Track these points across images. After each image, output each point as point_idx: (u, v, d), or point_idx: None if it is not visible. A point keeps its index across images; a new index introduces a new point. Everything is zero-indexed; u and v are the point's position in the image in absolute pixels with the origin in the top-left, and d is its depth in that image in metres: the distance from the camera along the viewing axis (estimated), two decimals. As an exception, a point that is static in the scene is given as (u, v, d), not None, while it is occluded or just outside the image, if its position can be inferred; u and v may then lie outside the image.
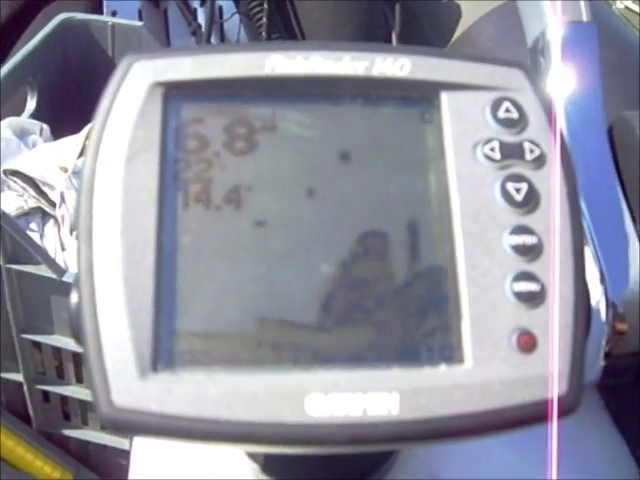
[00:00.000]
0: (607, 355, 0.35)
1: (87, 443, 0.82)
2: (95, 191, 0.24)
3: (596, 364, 0.35)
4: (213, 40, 1.25)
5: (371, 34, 1.22)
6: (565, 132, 0.37)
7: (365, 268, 0.25)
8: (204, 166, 0.25)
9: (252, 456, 0.33)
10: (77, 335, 0.25)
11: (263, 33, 1.15)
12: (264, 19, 1.15)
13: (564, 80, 0.38)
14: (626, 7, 1.51)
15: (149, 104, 0.25)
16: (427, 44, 1.21)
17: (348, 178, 0.26)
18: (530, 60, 0.41)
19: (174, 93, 0.26)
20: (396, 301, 0.24)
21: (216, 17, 1.23)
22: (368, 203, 0.25)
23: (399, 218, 0.25)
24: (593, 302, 0.34)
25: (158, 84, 0.26)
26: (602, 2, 0.94)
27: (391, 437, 0.23)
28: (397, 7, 1.22)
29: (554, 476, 0.34)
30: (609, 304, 0.34)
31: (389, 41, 1.24)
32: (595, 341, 0.34)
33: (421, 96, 0.27)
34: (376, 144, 0.26)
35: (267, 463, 0.33)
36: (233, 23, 1.25)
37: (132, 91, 0.25)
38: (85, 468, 0.82)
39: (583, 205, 0.35)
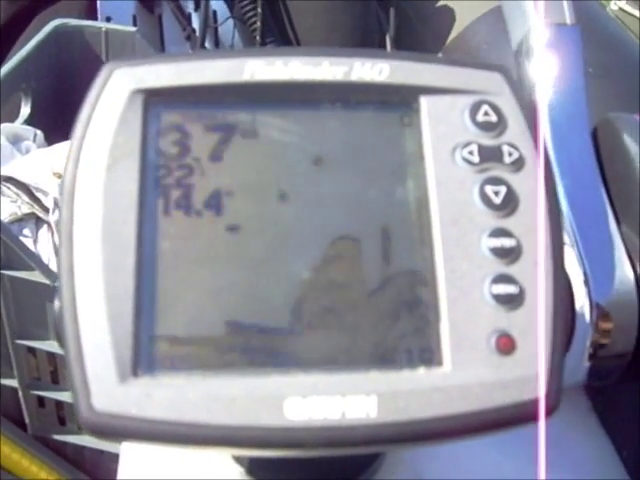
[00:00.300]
0: (592, 356, 0.35)
1: (83, 448, 0.82)
2: (76, 197, 0.25)
3: (581, 365, 0.35)
4: (207, 45, 1.26)
5: (365, 38, 1.22)
6: (549, 134, 0.37)
7: (341, 272, 0.25)
8: (184, 172, 0.25)
9: (237, 459, 0.33)
10: (60, 339, 0.25)
11: (257, 37, 1.16)
12: (258, 23, 1.15)
13: (548, 83, 0.38)
14: (620, 8, 1.52)
15: (129, 111, 0.26)
16: (422, 47, 1.22)
17: (326, 182, 0.26)
18: (515, 62, 0.41)
19: (154, 100, 0.26)
20: (374, 305, 0.25)
21: (210, 22, 1.23)
22: (346, 207, 0.25)
23: (377, 222, 0.25)
24: (577, 304, 0.34)
25: (138, 91, 0.26)
26: (595, 3, 0.95)
27: (370, 440, 0.23)
28: (391, 11, 1.23)
29: (542, 477, 0.34)
30: (593, 305, 0.34)
31: (383, 44, 1.24)
32: (580, 343, 0.34)
33: (400, 100, 0.27)
34: (355, 148, 0.26)
35: (252, 465, 0.33)
36: (227, 27, 1.26)
37: (113, 98, 0.26)
38: (81, 473, 0.82)
39: (567, 207, 0.36)
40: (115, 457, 0.80)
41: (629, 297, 0.35)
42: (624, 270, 0.35)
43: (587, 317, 0.34)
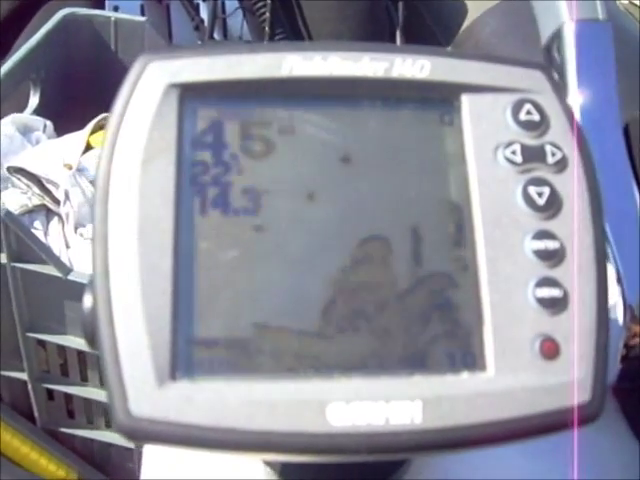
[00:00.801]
0: (624, 358, 0.34)
1: (92, 441, 0.82)
2: (110, 195, 0.24)
3: (614, 367, 0.34)
4: (216, 35, 1.25)
5: (375, 30, 1.21)
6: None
7: (382, 273, 0.24)
8: (221, 169, 0.25)
9: (267, 461, 0.33)
10: (91, 339, 0.24)
11: (266, 28, 1.15)
12: (267, 14, 1.14)
13: (580, 79, 0.37)
14: (630, 2, 1.50)
15: (165, 106, 0.25)
16: (431, 40, 1.21)
17: (364, 181, 0.25)
18: (545, 58, 0.40)
19: (190, 95, 0.25)
20: (415, 308, 0.24)
21: (219, 12, 1.23)
22: (386, 207, 0.25)
23: (416, 222, 0.25)
24: (611, 304, 0.34)
25: (174, 85, 0.25)
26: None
27: (414, 446, 0.22)
28: (400, 3, 1.22)
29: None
30: (626, 306, 0.33)
31: (393, 37, 1.23)
32: (613, 344, 0.34)
33: (441, 98, 0.26)
34: (395, 147, 0.26)
35: (280, 465, 0.32)
36: (236, 18, 1.25)
37: (147, 93, 0.25)
38: (89, 466, 0.82)
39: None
40: (124, 450, 0.80)
41: (662, 299, 0.34)
42: (656, 271, 0.34)
43: (620, 318, 0.34)
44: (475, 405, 0.23)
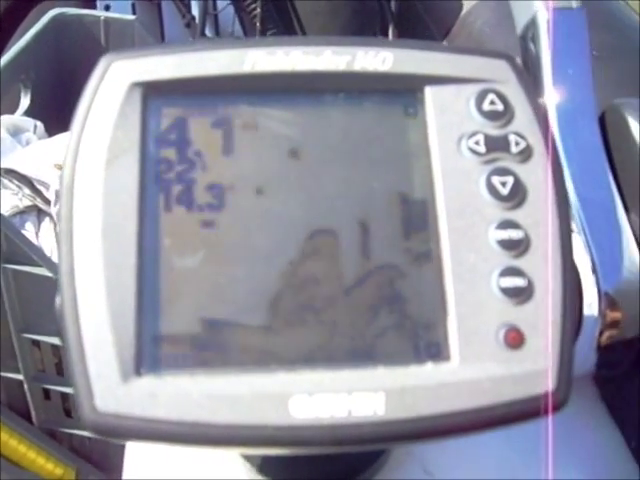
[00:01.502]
0: (601, 346, 0.34)
1: (89, 439, 0.82)
2: (75, 193, 0.24)
3: (590, 355, 0.34)
4: (208, 32, 1.25)
5: (367, 23, 1.21)
6: (556, 120, 0.37)
7: (345, 264, 0.24)
8: (185, 166, 0.25)
9: (247, 457, 0.33)
10: (62, 337, 0.25)
11: (257, 24, 1.15)
12: (258, 10, 1.14)
13: (554, 68, 0.37)
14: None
15: (128, 105, 0.25)
16: (424, 31, 1.20)
17: (330, 174, 0.25)
18: (520, 48, 0.40)
19: (153, 93, 0.25)
20: (379, 299, 0.24)
21: (210, 9, 1.22)
22: (350, 199, 0.25)
23: (383, 214, 0.25)
24: (585, 293, 0.34)
25: (137, 84, 0.25)
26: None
27: (377, 437, 0.23)
28: (393, -4, 1.22)
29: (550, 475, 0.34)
30: (601, 294, 0.33)
31: (386, 29, 1.23)
32: (588, 332, 0.34)
33: (404, 90, 0.26)
34: (359, 139, 0.26)
35: (262, 463, 0.33)
36: (228, 14, 1.25)
37: (111, 91, 0.25)
38: (87, 464, 0.83)
39: (574, 194, 0.35)
40: (121, 448, 0.81)
41: (637, 286, 0.34)
42: (632, 258, 0.35)
43: (595, 306, 0.34)
44: (439, 395, 0.23)
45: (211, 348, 0.23)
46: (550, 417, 0.28)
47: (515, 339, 0.24)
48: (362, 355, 0.24)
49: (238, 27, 1.23)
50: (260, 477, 0.33)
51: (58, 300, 0.25)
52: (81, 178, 0.24)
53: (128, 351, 0.23)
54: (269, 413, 0.22)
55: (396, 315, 0.24)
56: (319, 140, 0.26)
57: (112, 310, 0.23)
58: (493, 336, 0.24)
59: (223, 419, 0.22)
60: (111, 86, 0.25)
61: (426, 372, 0.23)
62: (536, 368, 0.24)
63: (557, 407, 0.24)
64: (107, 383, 0.22)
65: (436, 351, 0.24)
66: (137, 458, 0.35)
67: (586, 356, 0.35)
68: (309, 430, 0.22)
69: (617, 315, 0.35)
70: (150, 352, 0.23)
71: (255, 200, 0.25)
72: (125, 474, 0.35)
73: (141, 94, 0.25)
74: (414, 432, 0.23)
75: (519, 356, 0.24)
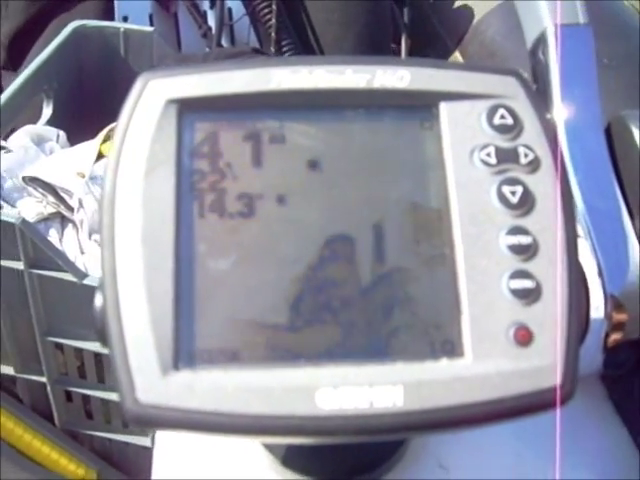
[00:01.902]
0: (607, 347, 0.36)
1: (110, 441, 0.84)
2: (116, 202, 0.26)
3: (597, 356, 0.36)
4: (224, 42, 1.27)
5: (379, 33, 1.23)
6: (564, 132, 0.38)
7: (368, 270, 0.26)
8: (217, 177, 0.27)
9: (270, 449, 0.35)
10: (102, 336, 0.27)
11: (272, 34, 1.17)
12: (273, 20, 1.16)
13: (563, 82, 0.39)
14: (634, -2, 1.51)
15: (164, 120, 0.27)
16: (438, 41, 1.22)
17: (350, 184, 0.27)
18: (530, 62, 0.42)
19: (188, 109, 0.27)
20: (399, 299, 0.26)
21: (226, 19, 1.25)
22: (370, 208, 0.27)
23: (402, 222, 0.27)
24: (592, 296, 0.36)
25: (172, 101, 0.27)
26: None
27: (396, 427, 0.24)
28: (406, 6, 1.24)
29: (557, 474, 0.35)
30: (607, 297, 0.35)
31: (399, 39, 1.25)
32: (595, 334, 0.36)
33: (420, 105, 0.28)
34: (378, 152, 0.28)
35: (285, 456, 0.34)
36: (243, 25, 1.27)
37: (148, 108, 0.27)
38: (109, 466, 0.85)
39: (581, 201, 0.37)
40: (141, 450, 0.83)
41: (642, 289, 0.36)
42: (637, 262, 0.36)
43: (601, 309, 0.35)
44: (453, 388, 0.25)
45: (242, 345, 0.25)
46: (559, 415, 0.30)
47: (524, 337, 0.26)
48: (382, 352, 0.25)
49: (253, 37, 1.25)
50: (284, 470, 0.34)
51: (98, 302, 0.28)
52: (121, 188, 0.26)
53: (167, 348, 0.25)
54: (297, 404, 0.24)
55: (412, 315, 0.26)
56: (340, 152, 0.28)
57: (152, 310, 0.25)
58: (503, 334, 0.26)
59: (254, 410, 0.24)
60: (148, 103, 0.27)
61: (441, 367, 0.25)
62: (543, 364, 0.26)
63: (563, 401, 0.26)
64: (148, 377, 0.24)
65: (450, 348, 0.26)
66: (165, 458, 0.37)
67: (593, 356, 0.36)
68: (334, 420, 0.24)
69: (623, 317, 0.36)
70: (187, 348, 0.25)
71: (280, 208, 0.27)
72: (154, 474, 0.36)
73: (176, 110, 0.27)
74: (430, 422, 0.25)
75: (528, 353, 0.26)
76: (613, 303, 0.36)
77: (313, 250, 0.26)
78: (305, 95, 0.28)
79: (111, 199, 0.26)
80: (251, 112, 0.28)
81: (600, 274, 0.35)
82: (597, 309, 0.35)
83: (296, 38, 1.19)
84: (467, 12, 1.20)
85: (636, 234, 0.37)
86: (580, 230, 0.37)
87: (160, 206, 0.26)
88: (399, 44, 1.26)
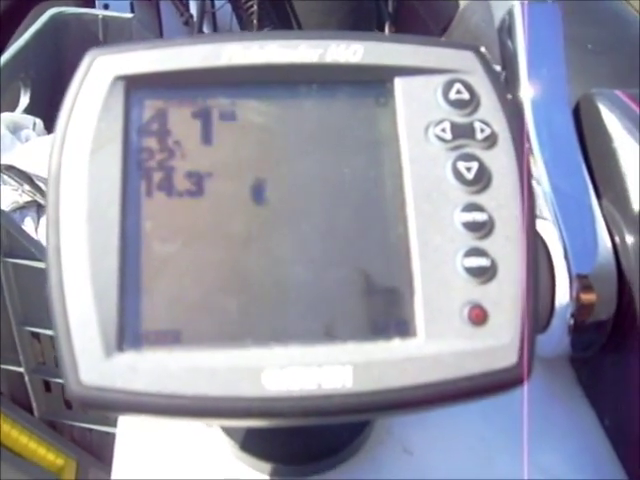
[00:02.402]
0: (574, 328, 0.35)
1: (90, 431, 0.84)
2: (61, 182, 0.26)
3: (563, 338, 0.36)
4: (206, 29, 1.26)
5: (363, 20, 1.22)
6: (530, 110, 0.38)
7: (318, 247, 0.26)
8: (166, 155, 0.26)
9: (231, 434, 0.34)
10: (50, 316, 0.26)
11: (254, 21, 1.16)
12: (255, 7, 1.15)
13: (529, 59, 0.39)
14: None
15: (112, 97, 0.26)
16: (423, 28, 1.21)
17: (303, 162, 0.26)
18: (498, 40, 0.42)
19: (135, 86, 0.27)
20: (349, 279, 0.25)
21: (208, 7, 1.24)
22: (321, 185, 0.26)
23: (352, 198, 0.26)
24: (558, 277, 0.35)
25: (120, 78, 0.27)
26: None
27: (345, 408, 0.24)
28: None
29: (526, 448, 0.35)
30: (572, 278, 0.35)
31: (383, 27, 1.24)
32: (561, 315, 0.35)
33: (375, 81, 0.27)
34: (331, 128, 0.27)
35: (245, 441, 0.34)
36: (225, 12, 1.26)
37: (95, 85, 0.27)
38: (88, 456, 0.84)
39: (547, 181, 0.36)
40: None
41: (609, 270, 0.35)
42: (604, 244, 0.36)
43: (567, 291, 0.35)
44: (405, 369, 0.24)
45: (188, 326, 0.25)
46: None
47: (478, 316, 0.25)
48: (331, 332, 0.25)
49: (235, 25, 1.24)
50: (244, 456, 0.34)
51: (48, 283, 0.27)
52: (67, 167, 0.26)
53: (111, 328, 0.24)
54: (243, 385, 0.23)
55: (364, 294, 0.25)
56: (292, 129, 0.27)
57: (96, 290, 0.24)
58: (457, 313, 0.25)
59: (200, 391, 0.23)
60: (95, 80, 0.27)
61: (393, 347, 0.25)
62: (498, 344, 0.25)
63: (518, 381, 0.25)
64: (91, 358, 0.24)
65: (403, 328, 0.25)
66: (126, 456, 0.36)
67: (560, 338, 0.36)
68: (281, 401, 0.23)
69: (591, 298, 0.36)
70: (131, 329, 0.24)
71: (229, 187, 0.26)
72: (113, 474, 0.35)
73: (124, 87, 0.27)
74: (381, 403, 0.24)
75: (482, 332, 0.25)
76: (581, 284, 0.35)
77: (263, 229, 0.26)
78: (257, 71, 0.27)
79: (56, 177, 0.26)
80: (201, 89, 0.27)
81: (566, 255, 0.35)
82: (563, 290, 0.35)
83: (279, 25, 1.18)
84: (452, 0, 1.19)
85: (603, 214, 0.36)
86: (546, 211, 0.36)
87: (106, 184, 0.25)
88: (383, 32, 1.25)
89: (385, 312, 0.25)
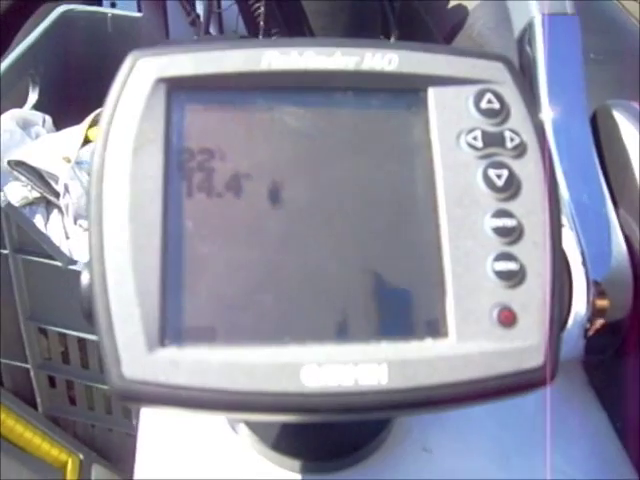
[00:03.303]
0: (589, 332, 0.36)
1: (93, 427, 0.84)
2: (104, 179, 0.26)
3: (578, 341, 0.37)
4: (212, 30, 1.27)
5: (368, 23, 1.23)
6: (549, 120, 0.39)
7: (353, 249, 0.26)
8: (206, 156, 0.27)
9: (255, 430, 0.35)
10: (88, 314, 0.27)
11: (261, 22, 1.17)
12: (262, 9, 1.16)
13: (549, 71, 0.39)
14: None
15: (154, 99, 0.27)
16: (426, 32, 1.23)
17: (337, 166, 0.27)
18: (518, 50, 0.43)
19: (177, 88, 0.27)
20: (384, 279, 0.26)
21: (214, 7, 1.25)
22: (357, 189, 0.27)
23: (385, 203, 0.27)
24: (575, 282, 0.36)
25: (162, 80, 0.27)
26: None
27: (380, 405, 0.25)
28: (396, -4, 1.24)
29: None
30: (590, 284, 0.36)
31: (387, 29, 1.25)
32: (577, 319, 0.36)
33: (409, 89, 0.28)
34: (365, 134, 0.28)
35: (268, 437, 0.35)
36: (232, 13, 1.27)
37: (137, 87, 0.27)
38: (92, 452, 0.85)
39: (566, 191, 0.37)
40: (125, 436, 0.82)
41: (624, 277, 0.36)
42: (620, 250, 0.37)
43: (584, 295, 0.36)
44: (437, 368, 0.25)
45: (228, 322, 0.25)
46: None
47: (508, 318, 0.26)
48: (367, 331, 0.26)
49: (242, 25, 1.25)
50: (268, 451, 0.35)
51: (84, 279, 0.28)
52: (110, 165, 0.26)
53: (153, 324, 0.25)
54: (282, 381, 0.24)
55: (398, 295, 0.26)
56: (328, 135, 0.28)
57: (138, 286, 0.25)
58: (487, 315, 0.26)
59: (239, 386, 0.24)
60: (138, 81, 0.27)
61: (425, 347, 0.26)
62: (526, 345, 0.26)
63: (544, 381, 0.26)
64: (134, 352, 0.24)
65: (435, 328, 0.26)
66: (149, 447, 0.37)
67: (575, 342, 0.37)
68: (318, 397, 0.24)
69: (605, 303, 0.37)
70: (173, 325, 0.25)
71: (268, 188, 0.27)
72: (136, 474, 0.36)
73: (165, 89, 0.27)
74: (414, 401, 0.25)
75: (511, 334, 0.26)
76: (596, 290, 0.36)
77: (300, 230, 0.26)
78: (295, 76, 0.28)
79: (99, 175, 0.26)
80: (241, 92, 0.28)
81: (584, 261, 0.36)
82: (580, 295, 0.36)
83: (284, 27, 1.19)
84: (456, 4, 1.20)
85: (619, 223, 0.37)
86: (565, 219, 0.37)
87: (148, 184, 0.26)
88: (388, 36, 1.26)
89: (418, 313, 0.26)
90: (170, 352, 0.25)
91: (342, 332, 0.26)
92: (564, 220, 0.37)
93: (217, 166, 0.27)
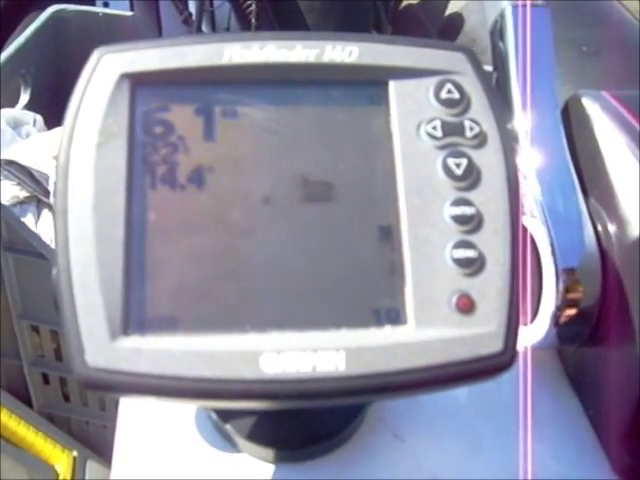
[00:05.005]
0: (561, 321, 0.37)
1: (87, 423, 0.85)
2: (69, 174, 0.27)
3: (550, 330, 0.37)
4: (204, 28, 1.27)
5: (360, 21, 1.24)
6: (519, 110, 0.39)
7: (314, 238, 0.27)
8: (169, 150, 0.28)
9: (224, 418, 0.35)
10: (57, 304, 0.27)
11: (253, 20, 1.17)
12: (253, 6, 1.17)
13: (519, 61, 0.40)
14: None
15: (118, 94, 0.28)
16: (420, 29, 1.23)
17: (300, 157, 0.28)
18: (490, 42, 0.43)
19: (140, 83, 0.28)
20: (344, 268, 0.27)
21: (206, 6, 1.25)
22: (317, 178, 0.28)
23: (346, 192, 0.27)
24: (545, 271, 0.36)
25: (126, 75, 0.28)
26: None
27: (338, 391, 0.25)
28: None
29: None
30: (559, 274, 0.36)
31: (380, 27, 1.26)
32: (548, 308, 0.36)
33: (369, 80, 0.29)
34: (327, 126, 0.28)
35: (240, 427, 0.35)
36: (224, 11, 1.27)
37: (102, 82, 0.28)
38: (86, 448, 0.85)
39: (535, 180, 0.38)
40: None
41: (594, 264, 0.37)
42: (590, 240, 0.37)
43: (554, 284, 0.36)
44: (395, 354, 0.26)
45: (190, 312, 0.26)
46: (493, 378, 0.30)
47: (466, 305, 0.26)
48: (327, 319, 0.26)
49: (234, 24, 1.25)
50: (239, 441, 0.35)
51: (54, 271, 0.28)
52: (75, 159, 0.27)
53: (116, 313, 0.25)
54: (242, 368, 0.25)
55: (357, 283, 0.27)
56: (289, 127, 0.28)
57: (102, 276, 0.25)
58: (446, 302, 0.26)
59: (200, 373, 0.25)
60: (102, 77, 0.28)
61: (384, 334, 0.26)
62: (485, 331, 0.26)
63: (503, 368, 0.26)
64: (97, 341, 0.25)
65: (394, 315, 0.26)
66: (125, 453, 0.37)
67: (547, 330, 0.37)
68: (277, 384, 0.25)
69: (577, 293, 0.37)
70: (136, 314, 0.25)
71: (230, 180, 0.28)
72: (112, 474, 0.36)
73: (129, 84, 0.28)
74: (372, 387, 0.25)
75: (469, 320, 0.26)
76: (568, 279, 0.36)
77: (261, 221, 0.27)
78: (256, 70, 0.28)
79: (65, 170, 0.27)
80: (203, 86, 0.28)
81: (553, 251, 0.36)
82: (550, 284, 0.36)
83: (277, 25, 1.19)
84: (449, 2, 1.20)
85: (589, 211, 0.38)
86: (535, 209, 0.38)
87: (112, 177, 0.27)
88: (381, 33, 1.26)
89: (377, 301, 0.27)
90: (133, 341, 0.25)
91: (302, 320, 0.26)
92: (534, 210, 0.38)
93: (180, 159, 0.27)
